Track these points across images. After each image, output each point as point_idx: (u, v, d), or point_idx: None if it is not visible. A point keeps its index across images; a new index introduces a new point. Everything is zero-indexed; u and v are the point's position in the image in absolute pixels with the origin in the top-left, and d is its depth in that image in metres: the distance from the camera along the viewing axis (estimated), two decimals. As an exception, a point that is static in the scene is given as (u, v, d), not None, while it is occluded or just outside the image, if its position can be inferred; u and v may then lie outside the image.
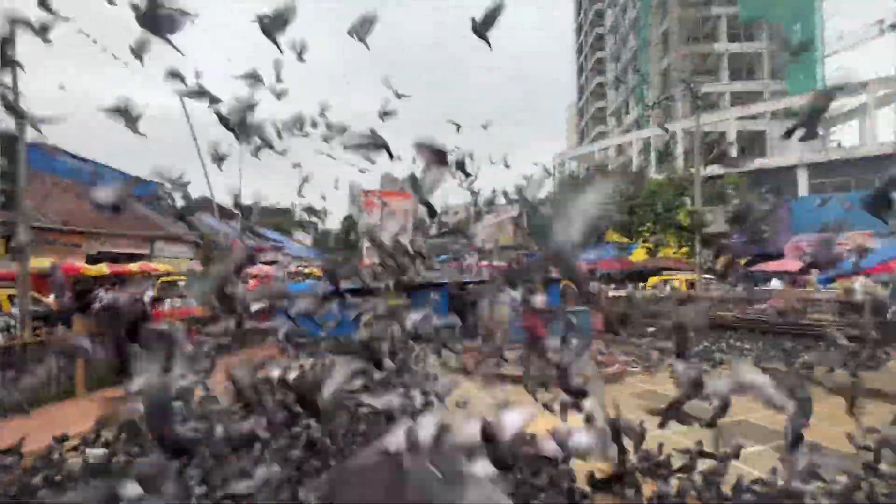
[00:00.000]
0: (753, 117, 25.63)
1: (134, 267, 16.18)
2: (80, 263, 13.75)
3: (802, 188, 22.74)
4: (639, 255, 21.42)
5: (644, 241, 20.91)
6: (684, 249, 18.37)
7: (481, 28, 2.64)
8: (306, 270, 23.47)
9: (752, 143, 27.18)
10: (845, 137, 27.11)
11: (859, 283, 9.49)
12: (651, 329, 10.08)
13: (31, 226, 8.75)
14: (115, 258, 17.14)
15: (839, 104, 25.17)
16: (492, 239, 39.47)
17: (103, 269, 14.38)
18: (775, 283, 12.81)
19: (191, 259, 22.66)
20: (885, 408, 5.09)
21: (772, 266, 15.35)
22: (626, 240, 22.73)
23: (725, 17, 29.31)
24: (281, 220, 46.18)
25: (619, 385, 6.54)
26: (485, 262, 21.39)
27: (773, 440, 4.34)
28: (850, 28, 29.73)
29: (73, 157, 21.80)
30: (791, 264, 14.81)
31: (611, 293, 12.52)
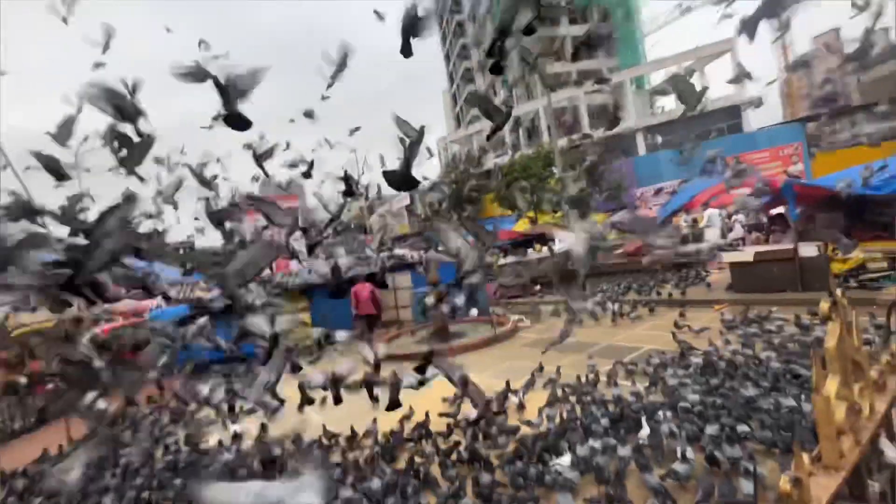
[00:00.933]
0: (598, 91, 29.30)
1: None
2: None
3: (641, 148, 26.80)
4: (522, 225, 23.36)
5: (526, 212, 22.85)
6: (559, 214, 20.54)
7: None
8: (195, 293, 21.04)
9: (602, 112, 31.10)
10: (667, 103, 32.57)
11: (684, 219, 11.64)
12: (537, 287, 11.25)
13: None
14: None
15: (659, 76, 29.86)
16: (389, 229, 39.39)
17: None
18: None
19: (16, 309, 18.77)
20: (705, 312, 6.51)
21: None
22: (509, 212, 24.56)
23: (564, 1, 32.69)
24: (147, 244, 40.37)
25: (512, 339, 7.28)
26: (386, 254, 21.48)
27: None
28: (663, 10, 35.38)
29: None
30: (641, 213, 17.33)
31: (501, 261, 13.58)
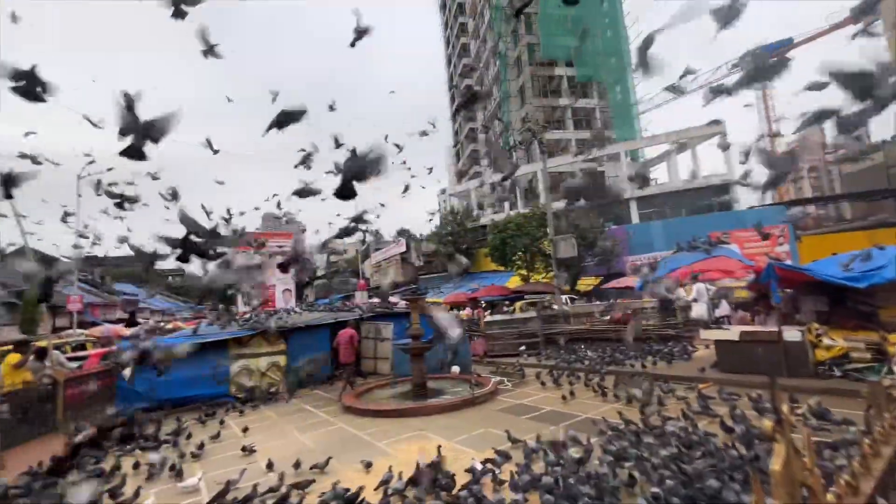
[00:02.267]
0: (594, 159, 30.54)
1: None
2: None
3: (634, 217, 27.49)
4: (514, 281, 23.37)
5: (517, 269, 22.97)
6: (552, 274, 20.65)
7: None
8: (168, 326, 20.52)
9: (595, 180, 32.23)
10: (660, 175, 33.96)
11: (680, 292, 11.66)
12: (522, 347, 11.02)
13: None
14: None
15: (653, 150, 31.35)
16: (382, 275, 39.25)
17: None
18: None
19: (2, 326, 18.16)
20: (687, 389, 6.32)
21: (617, 283, 18.07)
22: (502, 268, 24.66)
23: (566, 76, 34.96)
24: (133, 270, 39.87)
25: (490, 403, 6.99)
26: (376, 300, 21.26)
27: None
28: (658, 91, 37.75)
29: None
30: (630, 280, 17.49)
31: (487, 318, 13.40)
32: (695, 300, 10.41)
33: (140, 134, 2.77)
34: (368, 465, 4.47)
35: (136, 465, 4.88)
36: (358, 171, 3.14)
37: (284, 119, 3.43)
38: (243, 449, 5.37)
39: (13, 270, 21.40)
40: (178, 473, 4.61)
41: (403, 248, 36.03)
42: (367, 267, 41.34)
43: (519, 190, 32.24)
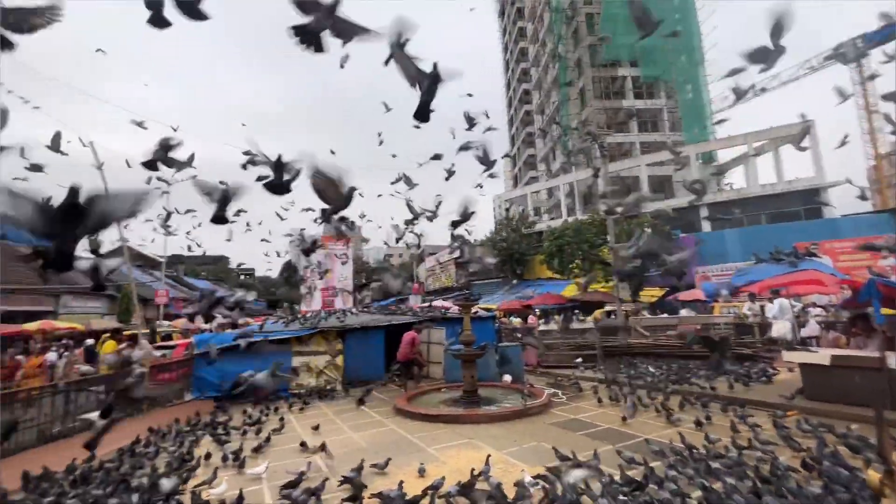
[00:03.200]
0: (661, 163, 28.83)
1: (33, 326, 14.38)
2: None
3: (705, 225, 25.54)
4: (571, 290, 22.58)
5: (575, 277, 22.16)
6: (612, 283, 19.70)
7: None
8: (240, 321, 22.13)
9: (662, 185, 30.38)
10: (736, 180, 31.27)
11: (747, 307, 10.68)
12: (578, 359, 10.58)
13: None
14: (9, 317, 15.20)
15: (728, 153, 29.03)
16: (436, 280, 39.66)
17: (34, 327, 12.72)
18: (684, 312, 14.02)
19: (103, 315, 20.57)
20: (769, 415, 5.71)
21: (683, 296, 16.84)
22: (558, 276, 23.96)
23: (630, 77, 33.40)
24: (212, 268, 43.56)
25: (543, 416, 6.76)
26: (428, 304, 21.53)
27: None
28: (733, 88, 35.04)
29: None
30: (699, 293, 16.24)
31: (542, 327, 13.04)
32: (775, 317, 9.42)
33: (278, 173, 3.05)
34: (422, 471, 4.47)
35: (208, 456, 5.21)
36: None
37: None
38: (302, 444, 5.60)
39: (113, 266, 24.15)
40: (241, 465, 4.89)
41: (458, 253, 36.19)
42: (422, 271, 41.97)
43: (578, 195, 31.25)
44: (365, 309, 14.30)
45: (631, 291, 19.56)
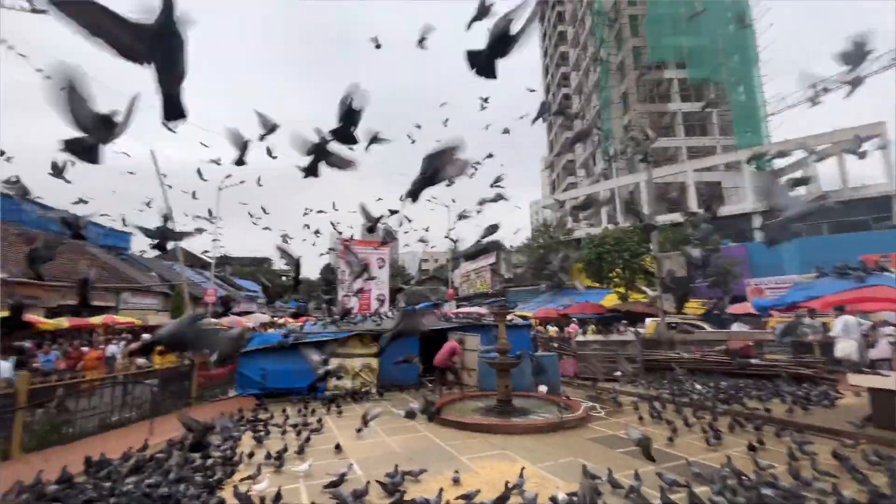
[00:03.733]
0: (709, 169, 27.48)
1: (97, 320, 15.55)
2: (36, 317, 13.19)
3: (758, 233, 24.04)
4: (611, 300, 21.86)
5: (615, 287, 21.45)
6: (654, 293, 18.90)
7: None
8: (280, 321, 23.02)
9: (710, 191, 28.91)
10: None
11: (807, 322, 9.89)
12: (618, 373, 10.19)
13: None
14: (77, 311, 16.47)
15: (785, 157, 27.30)
16: (470, 286, 39.57)
17: (62, 322, 13.82)
18: (736, 326, 13.21)
19: (158, 311, 21.95)
20: (832, 443, 5.26)
21: (734, 309, 15.88)
22: (597, 285, 23.27)
23: (677, 80, 32.13)
24: (256, 269, 45.60)
25: (579, 430, 6.54)
26: (463, 310, 21.49)
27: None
28: (792, 89, 32.87)
29: (43, 206, 21.45)
30: (749, 306, 15.26)
31: (579, 337, 12.66)
32: (839, 336, 8.67)
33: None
34: (456, 480, 4.43)
35: (251, 455, 5.34)
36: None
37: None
38: (337, 447, 5.67)
39: (167, 266, 25.77)
40: (280, 465, 5.01)
41: (493, 260, 35.96)
42: (457, 276, 42.01)
43: (619, 202, 30.29)
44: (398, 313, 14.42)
45: (676, 303, 18.67)
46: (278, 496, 3.96)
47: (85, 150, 2.30)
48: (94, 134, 2.18)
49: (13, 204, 19.57)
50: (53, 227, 20.21)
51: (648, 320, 14.97)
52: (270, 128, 3.04)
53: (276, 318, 26.10)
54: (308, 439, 5.93)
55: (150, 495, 3.82)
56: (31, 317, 12.61)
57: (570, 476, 4.58)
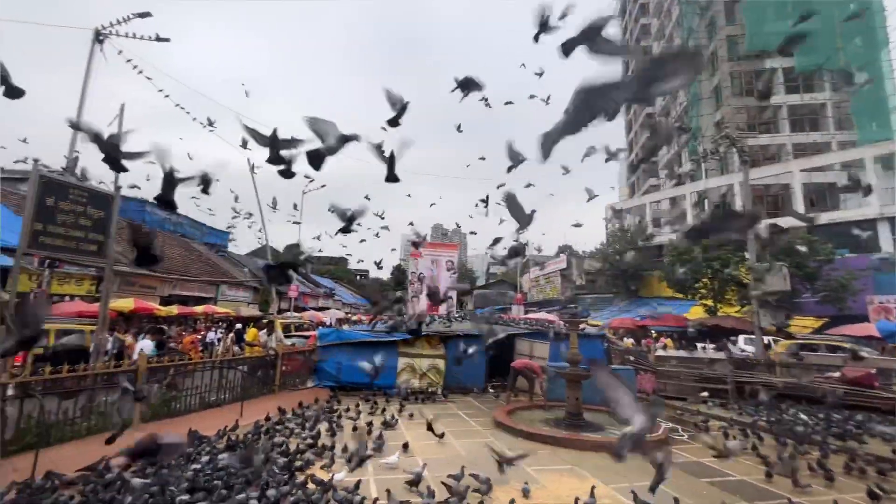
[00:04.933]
0: (820, 168, 24.15)
1: (199, 309, 17.55)
2: (153, 304, 15.16)
3: (885, 243, 20.59)
4: (696, 312, 20.05)
5: (701, 298, 19.64)
6: (746, 308, 16.99)
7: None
8: (354, 318, 24.26)
9: (822, 195, 25.40)
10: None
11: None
12: (704, 394, 9.30)
13: (115, 271, 10.02)
14: (184, 300, 18.73)
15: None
16: (540, 290, 38.64)
17: (173, 310, 15.75)
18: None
19: (248, 304, 24.19)
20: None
21: (852, 330, 13.74)
22: (680, 296, 21.50)
23: (781, 69, 28.67)
24: (334, 268, 48.54)
25: (658, 452, 6.03)
26: (532, 315, 21.00)
27: None
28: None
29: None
30: (871, 327, 13.12)
31: (660, 352, 11.76)
32: None
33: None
34: (526, 493, 4.32)
35: (332, 447, 5.52)
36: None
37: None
38: (405, 446, 5.77)
39: (258, 263, 28.33)
40: (356, 463, 5.19)
41: (564, 265, 34.77)
42: (525, 281, 41.21)
43: (708, 205, 27.69)
44: (466, 315, 14.46)
45: (778, 320, 16.64)
46: (357, 485, 4.11)
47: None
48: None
49: (139, 206, 22.76)
50: (167, 226, 23.02)
51: (784, 341, 13.30)
52: (341, 139, 3.16)
53: (349, 315, 27.55)
54: (380, 436, 6.04)
55: (236, 473, 4.18)
56: (147, 304, 14.57)
57: (647, 500, 4.25)
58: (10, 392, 4.66)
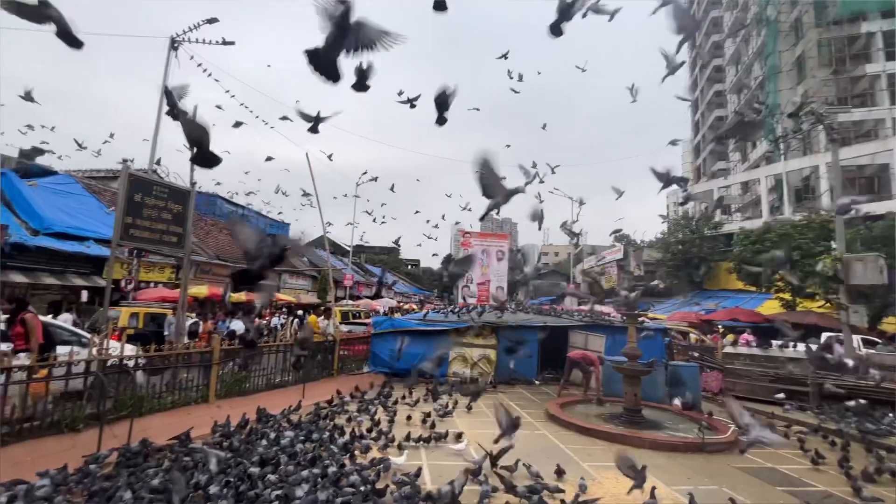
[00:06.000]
0: (928, 146, 21.10)
1: (264, 296, 18.70)
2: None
3: None
4: (771, 306, 18.45)
5: (777, 292, 18.01)
6: (832, 302, 15.34)
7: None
8: (405, 306, 24.84)
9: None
10: None
11: None
12: (780, 395, 8.56)
13: (192, 260, 10.93)
14: (251, 288, 20.05)
15: None
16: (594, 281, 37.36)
17: (242, 296, 16.94)
18: None
19: (308, 291, 25.49)
20: None
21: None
22: (752, 288, 19.89)
23: (881, 32, 25.23)
24: (386, 257, 49.89)
25: (725, 455, 5.66)
26: (586, 307, 20.28)
27: None
28: None
29: (229, 202, 26.65)
30: None
31: (728, 349, 10.94)
32: None
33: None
34: (583, 488, 4.22)
35: (388, 436, 5.57)
36: None
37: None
38: (459, 436, 5.81)
39: (316, 253, 29.69)
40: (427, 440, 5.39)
41: (620, 255, 33.28)
42: (579, 272, 39.97)
43: (787, 190, 25.21)
44: (519, 306, 14.28)
45: (868, 317, 14.90)
46: (419, 472, 4.20)
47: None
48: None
49: (211, 200, 24.59)
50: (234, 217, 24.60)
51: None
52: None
53: (402, 304, 28.23)
54: (433, 425, 6.09)
55: (296, 454, 4.45)
56: (219, 290, 15.75)
57: (714, 506, 4.01)
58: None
